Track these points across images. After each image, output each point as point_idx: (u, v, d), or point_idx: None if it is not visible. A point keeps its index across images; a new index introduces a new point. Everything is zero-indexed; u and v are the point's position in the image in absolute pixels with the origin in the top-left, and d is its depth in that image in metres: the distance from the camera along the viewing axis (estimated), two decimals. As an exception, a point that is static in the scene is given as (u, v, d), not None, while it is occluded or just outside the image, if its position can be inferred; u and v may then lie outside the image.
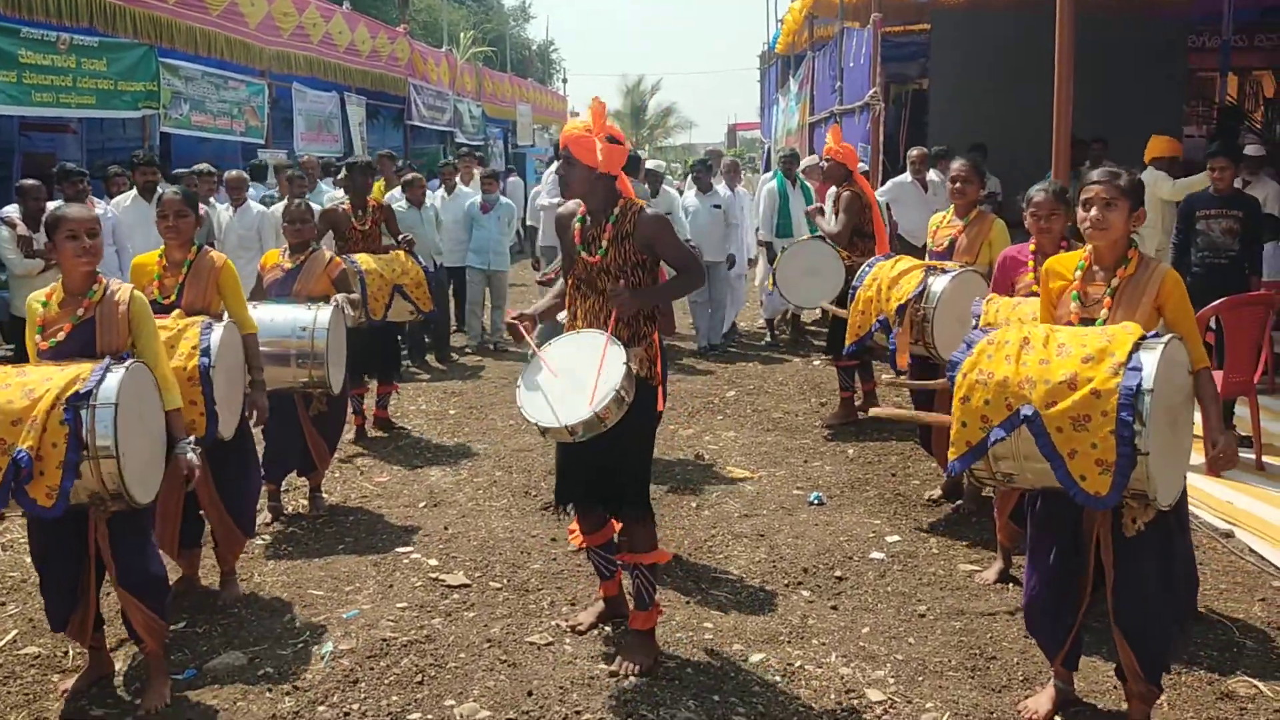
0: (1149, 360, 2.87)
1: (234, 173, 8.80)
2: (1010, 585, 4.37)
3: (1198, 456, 5.61)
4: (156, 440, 3.54)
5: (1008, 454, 3.07)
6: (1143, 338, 2.96)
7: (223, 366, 4.05)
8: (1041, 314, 3.39)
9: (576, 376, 3.51)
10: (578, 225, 3.79)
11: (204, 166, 8.83)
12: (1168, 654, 3.21)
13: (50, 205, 5.81)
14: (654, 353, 3.76)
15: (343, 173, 7.92)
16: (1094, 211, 3.17)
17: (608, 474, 3.72)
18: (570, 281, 3.82)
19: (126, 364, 3.37)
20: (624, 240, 3.67)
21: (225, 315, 4.28)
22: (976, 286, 5.00)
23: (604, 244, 3.69)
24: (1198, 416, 3.24)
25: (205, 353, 3.96)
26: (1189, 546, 3.25)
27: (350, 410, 6.80)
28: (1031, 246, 4.34)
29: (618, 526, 3.93)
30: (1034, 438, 2.95)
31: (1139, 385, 2.83)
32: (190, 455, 3.59)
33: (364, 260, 6.61)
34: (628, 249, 3.67)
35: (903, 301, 5.27)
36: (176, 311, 4.14)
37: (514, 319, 3.76)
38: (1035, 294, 4.25)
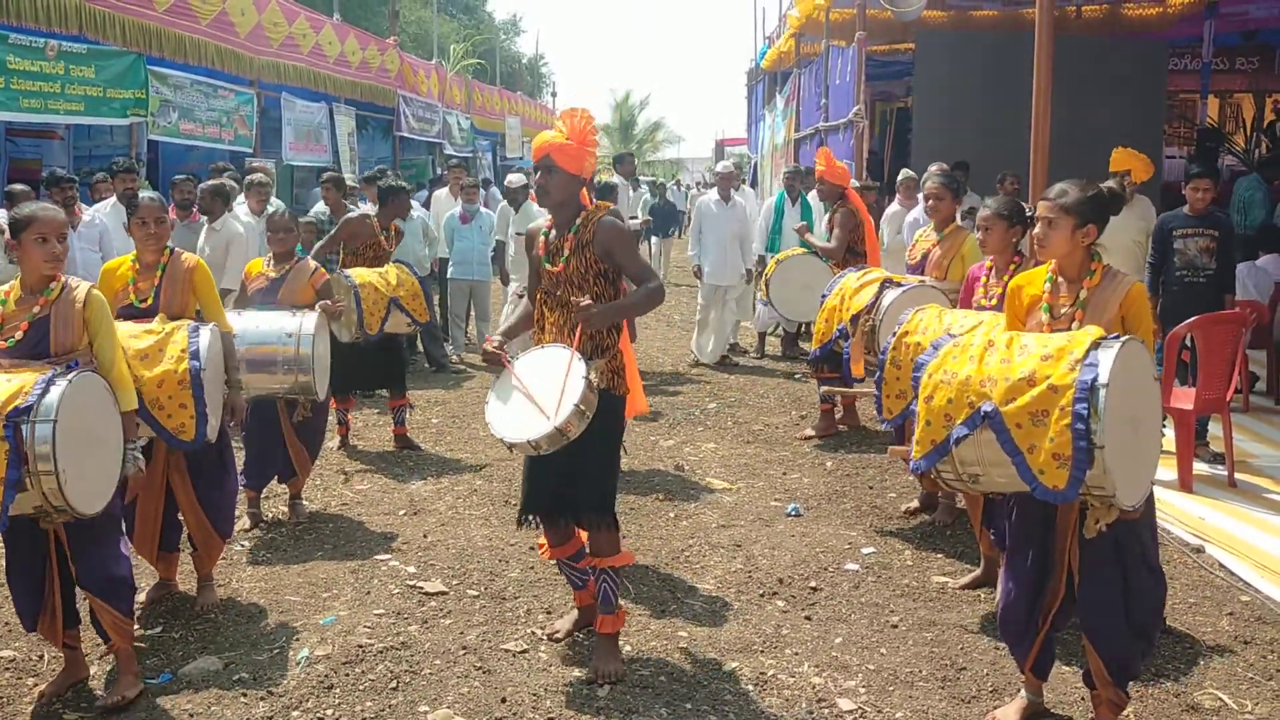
0: (1105, 357, 2.92)
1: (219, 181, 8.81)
2: (982, 595, 4.42)
3: (1168, 472, 5.72)
4: (111, 448, 3.47)
5: (973, 457, 3.11)
6: (1102, 338, 3.02)
7: (210, 369, 4.08)
8: (1008, 328, 3.43)
9: (540, 391, 3.58)
10: (542, 239, 3.87)
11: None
12: (1134, 661, 3.26)
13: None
14: (619, 363, 3.82)
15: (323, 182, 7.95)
16: (1037, 229, 3.30)
17: (570, 481, 3.76)
18: (538, 295, 3.89)
19: (70, 376, 3.27)
20: (584, 249, 3.73)
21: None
22: (930, 300, 5.07)
23: (565, 253, 3.74)
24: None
25: (195, 356, 3.97)
26: (1154, 560, 3.28)
27: (335, 420, 6.83)
28: (988, 264, 4.48)
29: (584, 537, 3.97)
30: (994, 434, 3.00)
31: (1094, 380, 2.88)
32: (133, 467, 3.55)
33: (359, 275, 6.53)
34: (588, 257, 3.73)
35: (856, 312, 5.40)
36: (160, 315, 4.15)
37: (491, 349, 3.79)
38: (984, 308, 4.39)
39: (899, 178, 9.47)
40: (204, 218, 8.01)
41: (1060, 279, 3.33)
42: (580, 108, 3.82)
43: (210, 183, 7.77)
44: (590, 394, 3.53)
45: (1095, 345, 2.97)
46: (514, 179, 9.10)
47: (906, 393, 4.38)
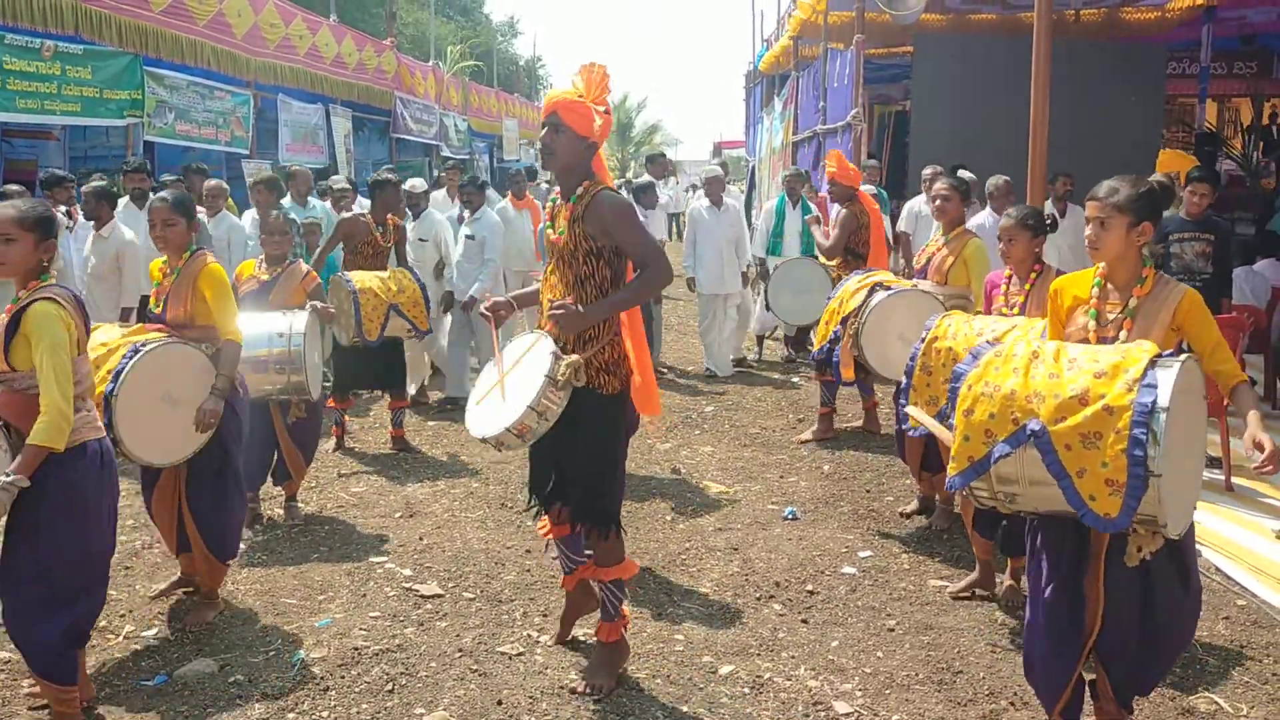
0: (1165, 378, 2.72)
1: (213, 182, 8.78)
2: (979, 602, 4.42)
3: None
4: None
5: (1012, 475, 2.90)
6: (1158, 355, 2.82)
7: (147, 393, 3.89)
8: (1051, 334, 3.26)
9: (509, 385, 3.41)
10: (549, 206, 3.69)
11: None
12: (1146, 684, 3.17)
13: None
14: (609, 358, 3.53)
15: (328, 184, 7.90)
16: (1088, 230, 3.10)
17: (567, 479, 3.63)
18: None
19: None
20: (575, 223, 3.47)
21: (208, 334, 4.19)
22: (922, 304, 5.06)
23: (562, 226, 3.50)
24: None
25: (115, 377, 3.82)
26: (1196, 580, 3.09)
27: (331, 421, 6.83)
28: (1007, 272, 4.43)
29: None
30: (1040, 455, 2.79)
31: (1154, 403, 2.67)
32: None
33: (359, 279, 6.49)
34: (578, 233, 3.46)
35: (847, 314, 5.40)
36: (138, 325, 4.09)
37: (489, 307, 3.62)
38: (1005, 315, 4.35)
39: (988, 185, 8.15)
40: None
41: (1108, 284, 3.12)
42: (598, 63, 3.50)
43: (93, 184, 7.15)
44: (553, 392, 3.31)
45: (1152, 363, 2.77)
46: (415, 183, 8.71)
47: (938, 399, 4.20)
